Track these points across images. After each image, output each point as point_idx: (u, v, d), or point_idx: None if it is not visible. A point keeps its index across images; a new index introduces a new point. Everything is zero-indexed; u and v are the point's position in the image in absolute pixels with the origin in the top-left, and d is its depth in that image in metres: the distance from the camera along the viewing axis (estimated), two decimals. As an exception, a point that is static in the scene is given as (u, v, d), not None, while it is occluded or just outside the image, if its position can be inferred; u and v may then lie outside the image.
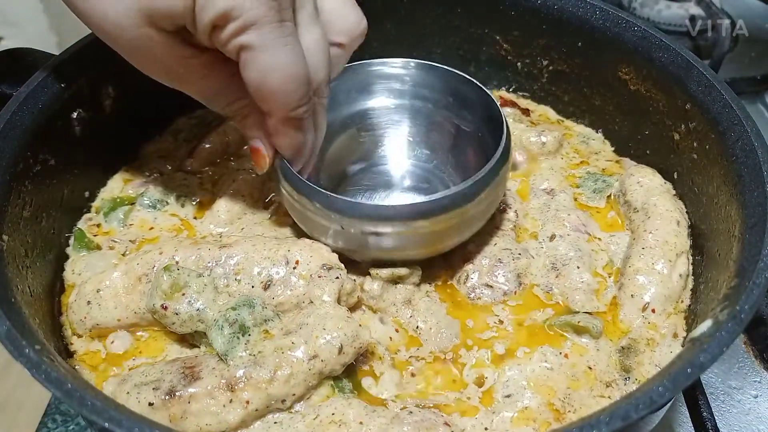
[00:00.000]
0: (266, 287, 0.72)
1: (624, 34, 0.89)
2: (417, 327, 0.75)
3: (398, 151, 0.90)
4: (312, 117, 0.70)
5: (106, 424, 0.51)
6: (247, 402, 0.64)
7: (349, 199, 0.71)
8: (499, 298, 0.78)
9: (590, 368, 0.72)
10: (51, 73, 0.79)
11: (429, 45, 1.05)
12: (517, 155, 0.93)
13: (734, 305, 0.59)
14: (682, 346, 0.73)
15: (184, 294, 0.69)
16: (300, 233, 0.82)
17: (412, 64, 0.85)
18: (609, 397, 0.70)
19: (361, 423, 0.65)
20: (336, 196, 0.71)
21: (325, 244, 0.75)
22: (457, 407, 0.69)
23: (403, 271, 0.77)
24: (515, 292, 0.79)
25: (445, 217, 0.70)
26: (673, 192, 0.86)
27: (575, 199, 0.90)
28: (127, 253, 0.82)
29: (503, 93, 1.07)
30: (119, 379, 0.68)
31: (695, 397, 0.77)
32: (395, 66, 0.86)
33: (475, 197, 0.71)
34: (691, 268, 0.79)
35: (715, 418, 0.76)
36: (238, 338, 0.67)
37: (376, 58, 0.86)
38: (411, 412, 0.66)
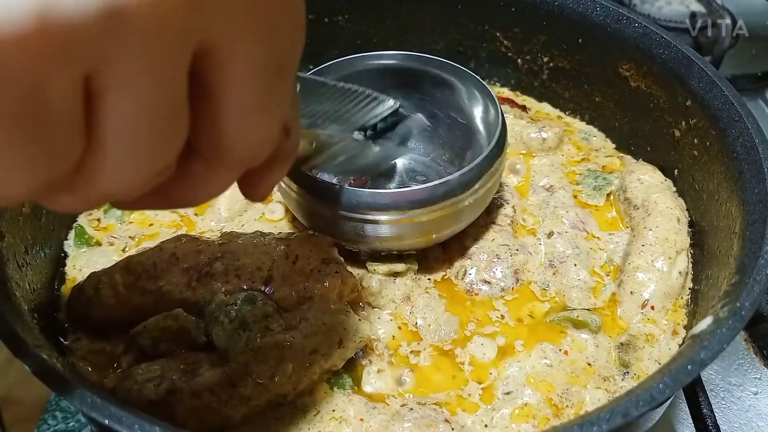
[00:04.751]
0: (266, 283, 0.71)
1: (624, 30, 0.89)
2: (416, 323, 0.75)
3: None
4: None
5: (107, 421, 0.50)
6: (249, 398, 0.64)
7: (345, 186, 0.71)
8: (496, 293, 0.78)
9: (589, 365, 0.72)
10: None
11: (429, 42, 1.05)
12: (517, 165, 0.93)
13: (735, 302, 0.59)
14: (680, 345, 0.73)
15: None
16: (299, 229, 0.82)
17: (408, 55, 0.85)
18: (606, 390, 0.70)
19: (361, 420, 0.65)
20: (332, 183, 0.71)
21: (322, 235, 0.75)
22: (457, 404, 0.69)
23: (400, 266, 0.77)
24: (512, 288, 0.79)
25: (440, 206, 0.70)
26: (674, 189, 0.85)
27: (575, 197, 0.89)
28: (127, 249, 0.82)
29: (501, 90, 1.07)
30: (120, 375, 0.68)
31: (695, 394, 0.77)
32: (391, 58, 0.85)
33: (470, 186, 0.72)
34: (691, 265, 0.79)
35: (715, 414, 0.76)
36: (239, 334, 0.67)
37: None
38: (411, 409, 0.66)
